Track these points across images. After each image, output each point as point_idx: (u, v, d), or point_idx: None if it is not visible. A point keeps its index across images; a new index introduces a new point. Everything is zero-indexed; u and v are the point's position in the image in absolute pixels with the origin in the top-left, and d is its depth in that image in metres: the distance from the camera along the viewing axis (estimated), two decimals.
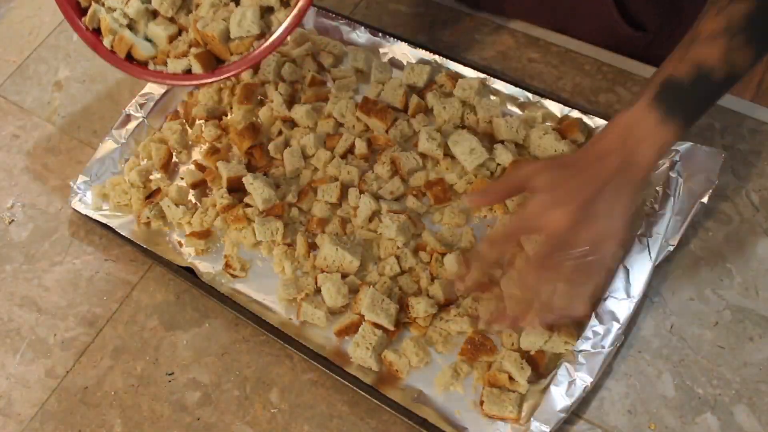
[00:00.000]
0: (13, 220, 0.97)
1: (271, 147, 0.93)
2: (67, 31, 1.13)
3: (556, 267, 0.69)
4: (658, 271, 0.80)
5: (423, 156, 0.90)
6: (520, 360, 0.75)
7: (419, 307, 0.79)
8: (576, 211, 0.67)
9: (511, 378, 0.75)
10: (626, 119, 0.70)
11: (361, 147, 0.91)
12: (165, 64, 0.83)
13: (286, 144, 0.94)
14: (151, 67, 0.84)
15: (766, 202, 0.84)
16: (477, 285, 0.76)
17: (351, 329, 0.80)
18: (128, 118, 0.99)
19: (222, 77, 0.81)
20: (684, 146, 0.84)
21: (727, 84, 0.69)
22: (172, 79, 0.83)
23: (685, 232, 0.80)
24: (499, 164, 0.88)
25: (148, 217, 0.91)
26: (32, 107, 1.07)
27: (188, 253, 0.89)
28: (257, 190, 0.87)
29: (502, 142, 0.88)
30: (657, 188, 0.83)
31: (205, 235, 0.89)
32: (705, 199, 0.80)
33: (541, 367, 0.76)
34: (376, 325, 0.79)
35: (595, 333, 0.76)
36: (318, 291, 0.84)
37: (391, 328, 0.79)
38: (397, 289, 0.82)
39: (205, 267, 0.88)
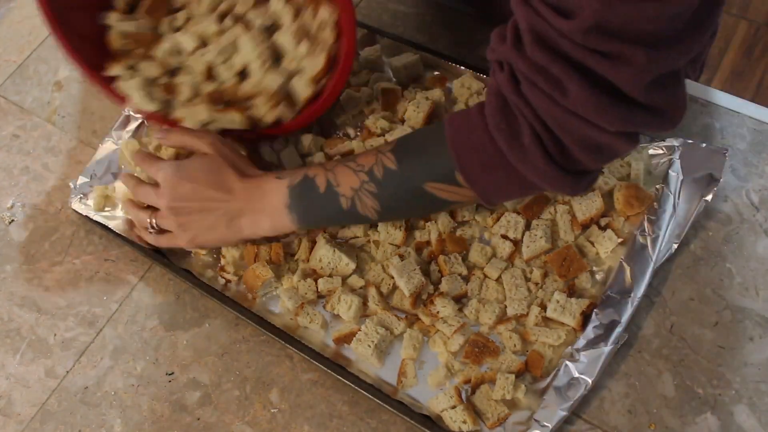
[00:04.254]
0: (13, 220, 0.97)
1: (266, 150, 0.94)
2: None
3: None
4: (658, 271, 0.80)
5: None
6: (513, 381, 0.74)
7: (444, 310, 0.79)
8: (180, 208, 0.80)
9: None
10: (264, 184, 0.79)
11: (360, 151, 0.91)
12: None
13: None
14: None
15: (766, 202, 0.84)
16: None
17: (350, 338, 0.80)
18: (128, 118, 0.98)
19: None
20: (683, 144, 0.84)
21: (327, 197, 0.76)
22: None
23: (685, 232, 0.80)
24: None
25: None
26: (32, 107, 1.07)
27: (188, 253, 0.89)
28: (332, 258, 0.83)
29: None
30: (657, 187, 0.83)
31: None
32: (709, 197, 0.80)
33: (540, 370, 0.76)
34: (381, 323, 0.80)
35: (595, 333, 0.76)
36: (320, 296, 0.84)
37: (407, 294, 0.79)
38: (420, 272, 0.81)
39: (204, 267, 0.88)
